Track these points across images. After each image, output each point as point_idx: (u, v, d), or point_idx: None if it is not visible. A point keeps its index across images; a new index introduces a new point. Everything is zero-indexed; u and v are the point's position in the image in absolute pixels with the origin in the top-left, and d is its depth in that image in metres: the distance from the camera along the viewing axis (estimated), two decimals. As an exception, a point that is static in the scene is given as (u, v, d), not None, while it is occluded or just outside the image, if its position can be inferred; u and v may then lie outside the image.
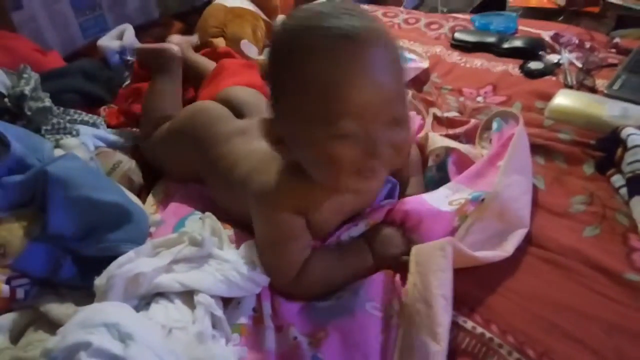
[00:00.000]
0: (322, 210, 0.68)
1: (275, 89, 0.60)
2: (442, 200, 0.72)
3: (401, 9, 1.59)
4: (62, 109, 0.97)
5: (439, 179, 0.82)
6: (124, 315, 0.54)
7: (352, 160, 0.56)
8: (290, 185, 0.64)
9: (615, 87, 1.01)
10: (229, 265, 0.65)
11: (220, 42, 1.16)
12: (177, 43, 1.10)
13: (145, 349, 0.50)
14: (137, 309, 0.62)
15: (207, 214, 0.72)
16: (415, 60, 1.19)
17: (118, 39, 1.20)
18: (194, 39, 1.16)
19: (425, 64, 1.19)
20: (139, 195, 0.89)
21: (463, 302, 0.65)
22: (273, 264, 0.67)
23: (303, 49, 0.54)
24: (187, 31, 1.32)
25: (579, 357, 0.58)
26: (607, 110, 0.91)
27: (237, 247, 0.71)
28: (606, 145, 0.85)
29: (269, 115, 0.62)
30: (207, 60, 1.10)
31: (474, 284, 0.67)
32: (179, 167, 0.90)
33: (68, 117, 0.96)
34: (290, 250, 0.67)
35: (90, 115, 1.01)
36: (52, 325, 0.63)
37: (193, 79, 1.07)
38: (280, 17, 1.39)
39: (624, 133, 0.81)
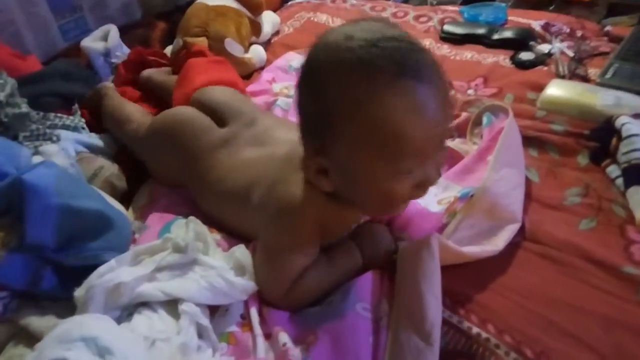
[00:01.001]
0: (334, 226, 0.67)
1: (329, 120, 0.54)
2: (431, 199, 0.70)
3: (390, 2, 1.56)
4: (41, 114, 0.94)
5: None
6: (104, 328, 0.52)
7: (405, 194, 0.57)
8: (318, 198, 0.62)
9: (608, 75, 0.99)
10: (214, 271, 0.62)
11: (202, 42, 1.13)
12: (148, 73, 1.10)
13: (125, 363, 0.47)
14: (120, 320, 0.60)
15: (191, 218, 0.69)
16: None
17: (102, 40, 1.18)
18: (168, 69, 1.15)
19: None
20: (122, 201, 0.87)
21: (458, 302, 0.63)
22: (269, 275, 0.65)
23: (368, 86, 0.50)
24: (171, 31, 1.29)
25: (577, 355, 0.56)
26: (600, 99, 0.90)
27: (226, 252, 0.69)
28: (600, 135, 0.83)
29: (308, 142, 0.59)
30: (173, 78, 1.06)
31: (468, 283, 0.65)
32: (161, 171, 0.88)
33: (48, 122, 0.93)
34: (295, 262, 0.63)
35: (71, 118, 0.98)
36: (33, 339, 0.60)
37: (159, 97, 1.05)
38: (266, 13, 1.36)
39: (618, 122, 0.80)
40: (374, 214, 0.63)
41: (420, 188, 0.57)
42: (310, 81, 0.56)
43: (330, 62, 0.53)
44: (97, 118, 1.03)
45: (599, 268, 0.65)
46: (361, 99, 0.51)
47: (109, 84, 1.06)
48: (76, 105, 1.03)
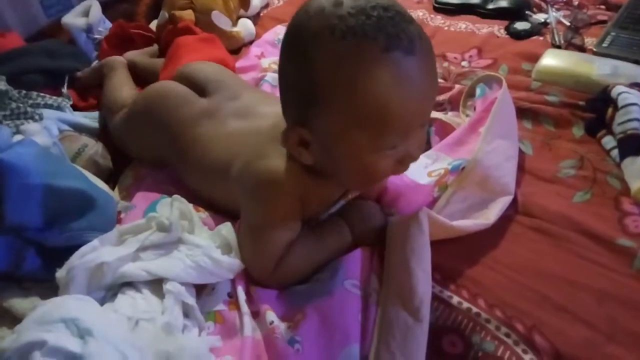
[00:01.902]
0: (318, 200, 0.65)
1: (314, 90, 0.51)
2: (420, 171, 0.69)
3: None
4: (23, 92, 0.91)
5: (423, 152, 0.78)
6: (84, 310, 0.51)
7: (387, 169, 0.55)
8: (298, 173, 0.60)
9: (605, 44, 0.97)
10: (199, 250, 0.61)
11: (189, 15, 1.10)
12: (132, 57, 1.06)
13: (105, 344, 0.46)
14: (104, 300, 0.59)
15: (175, 196, 0.67)
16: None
17: (84, 15, 1.14)
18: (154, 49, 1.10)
19: (406, 30, 1.13)
20: (108, 180, 0.85)
21: (448, 277, 0.62)
22: (255, 253, 0.63)
23: (358, 60, 0.47)
24: (156, 5, 1.25)
25: (570, 329, 0.55)
26: (597, 68, 0.88)
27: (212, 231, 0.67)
28: (596, 106, 0.81)
29: (290, 112, 0.57)
30: (161, 61, 1.03)
31: (459, 258, 0.63)
32: (145, 152, 0.86)
33: (30, 101, 0.91)
34: (278, 239, 0.62)
35: (55, 98, 0.95)
36: (16, 321, 0.58)
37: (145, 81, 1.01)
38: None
39: (614, 92, 0.77)
40: (354, 188, 0.62)
41: (402, 164, 0.56)
42: (295, 49, 0.53)
43: (317, 29, 0.49)
44: (86, 95, 1.01)
45: (593, 241, 0.64)
46: (348, 70, 0.48)
47: (120, 58, 1.04)
48: (65, 83, 1.01)
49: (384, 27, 0.47)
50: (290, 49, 0.54)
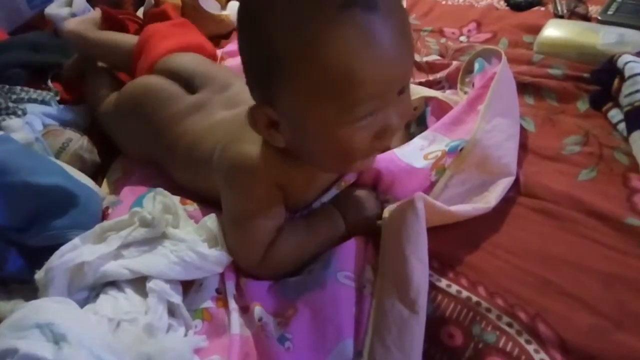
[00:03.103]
0: (302, 186, 0.62)
1: (272, 64, 0.47)
2: (416, 154, 0.65)
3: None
4: (6, 87, 0.88)
5: (420, 134, 0.75)
6: (61, 313, 0.48)
7: (364, 144, 0.50)
8: (274, 158, 0.57)
9: (610, 12, 0.92)
10: (184, 245, 0.58)
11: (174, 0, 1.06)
12: (72, 26, 0.96)
13: (80, 349, 0.44)
14: (87, 301, 0.57)
15: (158, 190, 0.65)
16: (391, 2, 1.09)
17: (67, 5, 1.11)
18: (96, 13, 1.01)
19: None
20: (95, 175, 0.83)
21: (446, 264, 0.59)
22: (239, 243, 0.61)
23: (314, 20, 0.43)
24: (145, -9, 1.21)
25: (576, 316, 0.52)
26: (602, 38, 0.83)
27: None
28: (602, 77, 0.76)
29: (255, 92, 0.53)
30: (117, 34, 0.96)
31: (457, 243, 0.60)
32: (132, 148, 0.83)
33: (14, 97, 0.88)
34: (260, 227, 0.60)
35: (39, 92, 0.92)
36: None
37: (109, 60, 0.96)
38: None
39: (620, 61, 0.73)
40: (331, 170, 0.57)
41: (381, 138, 0.50)
42: (248, 18, 0.49)
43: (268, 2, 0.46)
44: (73, 88, 0.97)
45: (599, 221, 0.60)
46: (304, 33, 0.44)
47: None
48: (49, 77, 0.98)
49: None
50: (244, 19, 0.50)
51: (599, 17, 0.92)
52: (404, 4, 1.10)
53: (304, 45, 0.44)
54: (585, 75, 0.80)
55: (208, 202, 0.69)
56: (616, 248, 0.57)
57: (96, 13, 1.01)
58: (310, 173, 0.60)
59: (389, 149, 0.59)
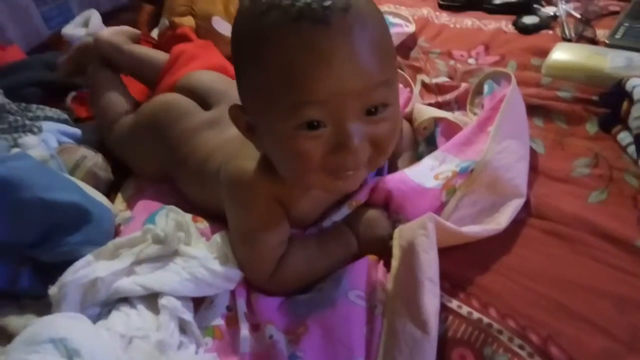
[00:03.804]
0: (302, 203, 0.62)
1: (238, 72, 0.52)
2: (426, 174, 0.65)
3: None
4: (22, 105, 0.90)
5: (429, 154, 0.75)
6: (74, 329, 0.49)
7: (320, 156, 0.49)
8: (269, 175, 0.57)
9: (618, 35, 0.93)
10: (196, 261, 0.59)
11: (188, 21, 1.08)
12: (106, 36, 0.95)
13: (94, 366, 0.44)
14: (99, 317, 0.57)
15: (171, 207, 0.66)
16: (401, 25, 1.11)
17: (84, 26, 1.13)
18: (130, 30, 1.01)
19: (411, 28, 1.11)
20: (108, 192, 0.84)
21: (457, 285, 0.58)
22: (247, 258, 0.62)
23: (267, 31, 0.45)
24: (158, 14, 1.24)
25: (588, 339, 0.51)
26: (610, 61, 0.84)
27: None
28: (610, 100, 0.77)
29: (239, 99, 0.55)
30: (150, 50, 0.99)
31: (468, 264, 0.60)
32: (145, 166, 0.84)
33: (30, 114, 0.90)
34: (265, 243, 0.60)
35: (55, 110, 0.94)
36: (12, 339, 0.57)
37: (138, 75, 0.97)
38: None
39: (629, 85, 0.74)
40: (290, 180, 0.55)
41: (336, 154, 0.48)
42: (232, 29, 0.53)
43: (243, 8, 0.50)
44: (88, 106, 0.99)
45: (610, 243, 0.60)
46: (257, 39, 0.46)
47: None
48: (69, 96, 1.00)
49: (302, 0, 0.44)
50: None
51: (607, 41, 0.93)
52: (413, 28, 1.11)
53: (255, 48, 0.47)
54: (594, 97, 0.80)
55: (218, 219, 0.69)
56: (628, 271, 0.57)
57: (128, 28, 1.02)
58: (307, 191, 0.60)
59: (349, 169, 0.51)
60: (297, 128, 0.47)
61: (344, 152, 0.48)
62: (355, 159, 0.49)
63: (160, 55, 0.95)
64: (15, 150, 0.78)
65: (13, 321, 0.60)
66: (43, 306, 0.61)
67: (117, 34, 0.96)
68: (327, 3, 0.44)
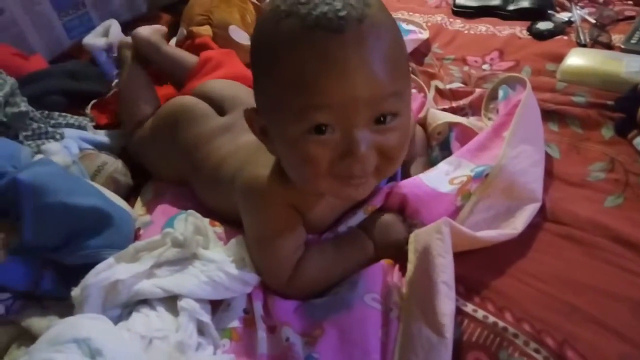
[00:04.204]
0: (317, 209, 0.63)
1: (255, 77, 0.54)
2: (441, 179, 0.66)
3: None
4: (45, 112, 0.93)
5: (443, 159, 0.75)
6: (97, 329, 0.50)
7: (328, 161, 0.50)
8: (283, 180, 0.59)
9: (634, 40, 0.92)
10: (214, 265, 0.60)
11: (206, 31, 1.10)
12: (146, 35, 1.01)
13: (116, 365, 0.45)
14: (120, 318, 0.59)
15: (190, 211, 0.67)
16: (415, 32, 1.12)
17: (104, 36, 1.16)
18: (164, 28, 1.07)
19: (425, 35, 1.11)
20: (128, 197, 0.86)
21: (473, 289, 0.59)
22: (264, 263, 0.63)
23: (283, 38, 0.47)
24: (176, 23, 1.26)
25: (603, 343, 0.51)
26: (625, 66, 0.83)
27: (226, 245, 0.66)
28: (626, 105, 0.77)
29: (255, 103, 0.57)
30: (182, 52, 1.03)
31: (484, 268, 0.60)
32: (163, 169, 0.86)
33: (52, 121, 0.92)
34: (281, 248, 0.61)
35: (76, 117, 0.96)
36: (35, 340, 0.59)
37: (169, 74, 1.01)
38: None
39: (645, 89, 0.73)
40: (299, 183, 0.55)
41: (344, 160, 0.49)
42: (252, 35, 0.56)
43: (264, 16, 0.51)
44: (108, 114, 1.02)
45: (626, 248, 0.59)
46: (274, 45, 0.48)
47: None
48: (90, 104, 1.03)
49: (317, 8, 0.45)
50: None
51: (622, 46, 0.93)
52: (426, 34, 1.12)
53: (272, 53, 0.49)
54: (609, 102, 0.80)
55: (233, 224, 0.71)
56: (644, 275, 0.57)
57: (161, 26, 1.07)
58: (321, 196, 0.61)
59: (356, 177, 0.52)
60: (306, 132, 0.48)
61: (350, 159, 0.49)
62: (362, 167, 0.50)
63: (190, 58, 0.99)
64: (39, 156, 0.80)
65: (36, 322, 0.62)
66: (65, 307, 0.63)
67: (154, 33, 1.02)
68: (343, 13, 0.45)
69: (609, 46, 0.95)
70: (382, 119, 0.49)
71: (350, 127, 0.48)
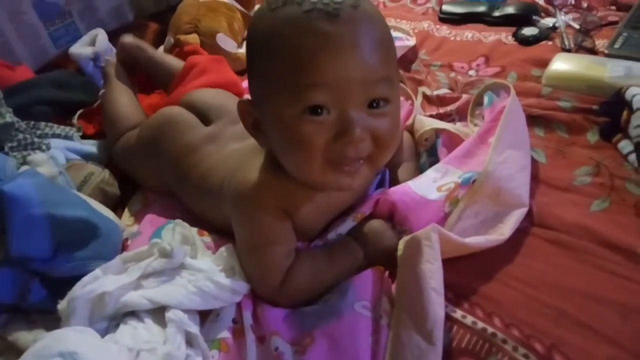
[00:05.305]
0: (307, 211, 0.62)
1: (250, 66, 0.56)
2: (429, 186, 0.66)
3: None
4: (31, 123, 0.92)
5: (430, 165, 0.76)
6: (84, 343, 0.50)
7: (323, 143, 0.50)
8: (273, 182, 0.59)
9: (617, 45, 0.94)
10: (202, 274, 0.59)
11: (193, 39, 1.10)
12: (132, 39, 1.05)
13: (103, 379, 0.45)
14: (107, 330, 0.58)
15: (177, 221, 0.67)
16: (402, 39, 1.12)
17: (90, 45, 1.15)
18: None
19: (412, 42, 1.12)
20: (116, 206, 0.85)
21: (461, 295, 0.59)
22: (255, 270, 0.62)
23: (279, 21, 0.49)
24: (163, 31, 1.27)
25: (592, 347, 0.52)
26: (609, 71, 0.84)
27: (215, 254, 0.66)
28: (610, 109, 0.78)
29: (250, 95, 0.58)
30: (173, 58, 1.05)
31: (472, 274, 0.61)
32: (150, 180, 0.86)
33: (38, 132, 0.91)
34: (273, 255, 0.61)
35: (62, 127, 0.96)
36: (21, 355, 0.58)
37: (161, 80, 1.02)
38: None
39: (628, 94, 0.75)
40: (299, 175, 0.55)
41: (340, 140, 0.50)
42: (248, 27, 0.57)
43: (255, 16, 0.54)
44: (95, 124, 1.01)
45: (613, 252, 0.60)
46: (269, 29, 0.50)
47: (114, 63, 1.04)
48: (77, 114, 1.02)
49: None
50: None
51: (606, 51, 0.94)
52: (413, 41, 1.13)
53: (266, 36, 0.51)
54: (594, 107, 0.81)
55: (220, 232, 0.70)
56: (631, 279, 0.57)
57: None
58: (312, 195, 0.61)
59: (350, 158, 0.52)
60: (302, 112, 0.49)
61: (345, 138, 0.50)
62: (356, 149, 0.51)
63: (175, 62, 1.01)
64: (25, 167, 0.79)
65: (23, 336, 0.61)
66: (52, 321, 0.62)
67: (141, 41, 1.06)
68: (342, 2, 0.48)
69: (593, 51, 0.97)
70: (375, 104, 0.51)
71: (345, 106, 0.49)
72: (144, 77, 1.04)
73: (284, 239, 0.62)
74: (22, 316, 0.65)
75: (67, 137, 0.94)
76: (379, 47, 0.50)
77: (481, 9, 1.18)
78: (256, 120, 0.56)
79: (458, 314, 0.57)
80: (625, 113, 0.74)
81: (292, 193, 0.60)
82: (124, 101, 0.96)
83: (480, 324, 0.56)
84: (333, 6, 0.48)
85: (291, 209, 0.61)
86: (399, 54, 1.07)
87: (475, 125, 0.80)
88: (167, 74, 0.98)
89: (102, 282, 0.58)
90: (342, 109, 0.49)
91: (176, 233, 0.64)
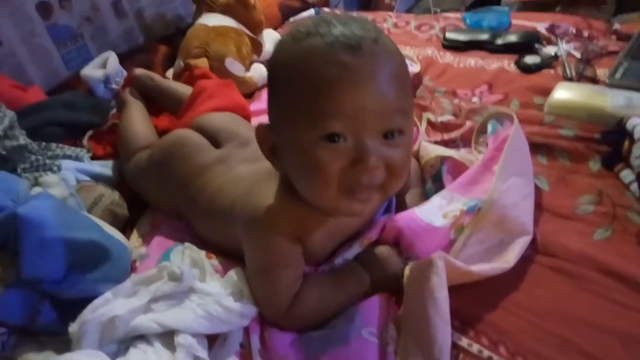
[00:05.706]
0: (317, 236, 0.63)
1: (271, 92, 0.58)
2: (435, 213, 0.67)
3: (391, 13, 1.55)
4: (43, 144, 0.93)
5: (436, 191, 0.77)
6: (95, 366, 0.50)
7: (338, 170, 0.52)
8: (287, 207, 0.60)
9: (618, 75, 0.96)
10: (210, 298, 0.60)
11: (203, 63, 1.13)
12: (144, 71, 1.10)
13: (114, 403, 0.45)
14: (117, 354, 0.58)
15: (187, 244, 0.68)
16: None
17: (101, 67, 1.18)
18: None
19: (416, 68, 1.14)
20: (124, 228, 0.86)
21: (467, 323, 0.60)
22: (264, 293, 0.63)
23: (302, 52, 0.51)
24: (172, 54, 1.29)
25: (597, 377, 0.52)
26: (611, 100, 0.86)
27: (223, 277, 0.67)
28: (612, 139, 0.79)
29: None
30: (180, 85, 1.08)
31: (478, 302, 0.61)
32: (160, 200, 0.87)
33: (50, 153, 0.93)
34: (283, 278, 0.62)
35: (73, 148, 0.97)
36: (30, 377, 0.59)
37: (170, 106, 1.05)
38: (267, 31, 1.37)
39: (629, 124, 0.76)
40: (313, 200, 0.56)
41: (355, 167, 0.51)
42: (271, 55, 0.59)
43: (284, 37, 0.55)
44: (105, 145, 1.03)
45: (616, 280, 0.61)
46: (291, 63, 0.52)
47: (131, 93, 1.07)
48: (86, 135, 1.04)
49: (337, 29, 0.50)
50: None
51: (607, 80, 0.96)
52: (418, 67, 1.15)
53: (288, 70, 0.53)
54: (596, 136, 0.82)
55: (228, 255, 0.71)
56: (634, 308, 0.58)
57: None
58: (324, 221, 0.62)
59: (363, 186, 0.53)
60: (319, 139, 0.51)
61: (360, 166, 0.51)
62: (370, 177, 0.53)
63: (183, 89, 1.04)
64: (37, 188, 0.80)
65: (32, 358, 0.62)
66: (61, 343, 0.63)
67: (150, 72, 1.12)
68: (360, 34, 0.50)
69: (594, 80, 0.99)
70: (390, 135, 0.53)
71: (362, 135, 0.51)
72: (154, 102, 1.07)
73: (294, 263, 0.63)
74: (32, 338, 0.65)
75: (77, 159, 0.95)
76: (396, 80, 0.52)
77: (484, 36, 1.21)
78: (273, 145, 0.58)
79: (464, 341, 0.58)
80: (626, 143, 0.75)
81: (305, 218, 0.61)
82: (139, 121, 0.99)
83: (486, 352, 0.56)
84: (355, 39, 0.49)
85: (303, 234, 0.62)
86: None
87: (480, 152, 0.82)
88: (175, 100, 1.02)
89: (113, 305, 0.58)
90: (358, 137, 0.51)
91: (185, 256, 0.65)
